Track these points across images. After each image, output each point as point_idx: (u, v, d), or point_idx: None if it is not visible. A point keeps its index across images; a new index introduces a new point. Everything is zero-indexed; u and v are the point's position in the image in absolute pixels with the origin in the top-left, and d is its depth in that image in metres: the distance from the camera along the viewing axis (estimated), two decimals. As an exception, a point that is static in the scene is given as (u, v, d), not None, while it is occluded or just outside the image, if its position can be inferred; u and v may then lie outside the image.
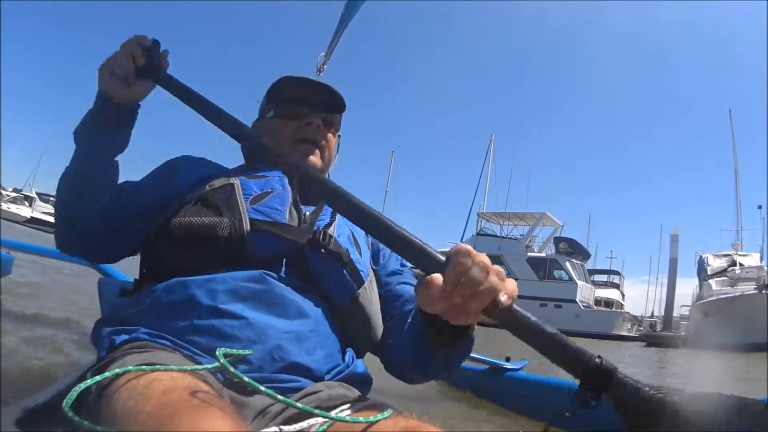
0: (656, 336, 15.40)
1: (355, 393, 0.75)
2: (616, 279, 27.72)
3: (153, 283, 0.78)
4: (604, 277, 27.86)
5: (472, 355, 2.09)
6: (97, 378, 0.56)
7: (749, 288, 14.77)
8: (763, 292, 13.55)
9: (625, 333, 18.50)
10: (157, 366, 0.57)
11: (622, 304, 22.78)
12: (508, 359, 2.27)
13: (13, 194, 34.26)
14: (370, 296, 0.88)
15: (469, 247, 0.59)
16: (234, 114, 0.84)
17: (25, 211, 30.67)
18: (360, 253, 0.89)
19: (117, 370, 0.57)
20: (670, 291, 18.80)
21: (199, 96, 0.83)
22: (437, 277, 0.56)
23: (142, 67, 0.82)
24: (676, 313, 20.99)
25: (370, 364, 0.88)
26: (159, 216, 0.84)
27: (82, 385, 0.54)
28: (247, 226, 0.78)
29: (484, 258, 0.59)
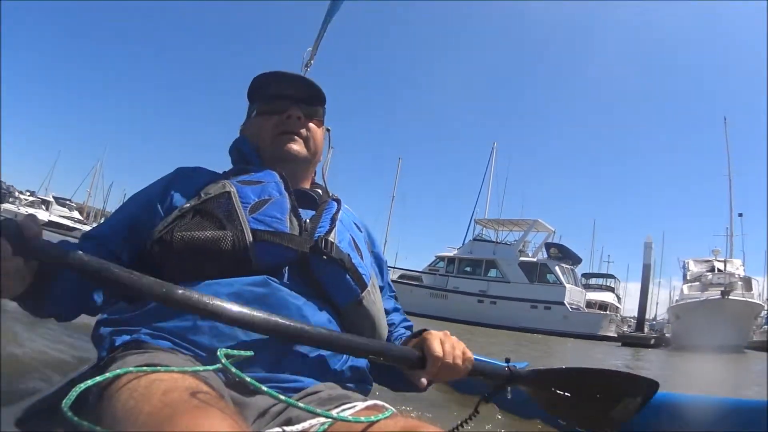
0: (630, 336, 16.20)
1: (356, 393, 0.75)
2: (611, 282, 28.72)
3: None
4: (601, 281, 28.99)
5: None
6: (98, 378, 0.56)
7: (715, 293, 15.62)
8: (726, 297, 14.48)
9: (610, 334, 19.14)
10: (158, 367, 0.57)
11: (617, 307, 23.35)
12: (507, 360, 2.27)
13: (31, 198, 35.40)
14: (374, 298, 0.90)
15: (438, 349, 0.82)
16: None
17: (42, 214, 31.84)
18: (361, 257, 0.90)
19: (117, 371, 0.57)
20: (642, 294, 19.47)
21: (80, 258, 0.65)
22: (423, 382, 0.86)
23: (11, 256, 0.63)
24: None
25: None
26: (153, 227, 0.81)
27: (82, 386, 0.54)
28: (249, 237, 0.78)
29: (448, 352, 0.82)
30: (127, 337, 0.70)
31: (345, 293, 0.85)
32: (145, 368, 0.57)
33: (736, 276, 17.96)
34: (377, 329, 0.91)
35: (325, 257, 0.83)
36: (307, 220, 0.89)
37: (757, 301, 16.52)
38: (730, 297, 15.04)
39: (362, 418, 0.60)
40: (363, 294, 0.87)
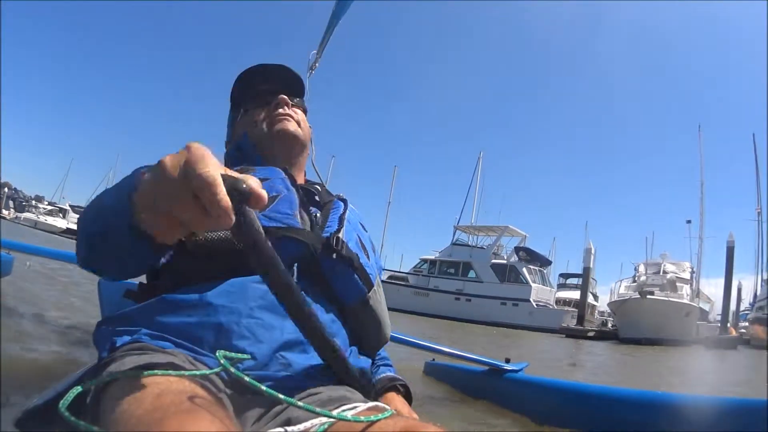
0: (572, 329, 17.94)
1: (357, 394, 0.75)
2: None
3: (161, 286, 0.79)
4: (577, 281, 31.67)
5: (472, 356, 2.38)
6: (94, 381, 0.56)
7: (636, 293, 17.61)
8: (645, 297, 16.46)
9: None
10: (155, 370, 0.57)
11: (593, 305, 25.69)
12: (507, 360, 2.28)
13: (49, 207, 37.53)
14: (379, 298, 0.91)
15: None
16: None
17: (60, 222, 33.61)
18: (368, 257, 0.90)
19: (115, 374, 0.57)
20: (582, 293, 21.04)
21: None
22: None
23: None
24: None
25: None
26: None
27: (79, 387, 0.54)
28: None
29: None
30: (127, 338, 0.69)
31: (353, 292, 0.85)
32: (141, 371, 0.56)
33: (666, 278, 20.18)
34: (382, 329, 0.92)
35: (335, 255, 0.83)
36: (317, 214, 0.90)
37: (683, 301, 18.25)
38: (649, 297, 16.78)
39: (362, 418, 0.59)
40: (370, 293, 0.87)
